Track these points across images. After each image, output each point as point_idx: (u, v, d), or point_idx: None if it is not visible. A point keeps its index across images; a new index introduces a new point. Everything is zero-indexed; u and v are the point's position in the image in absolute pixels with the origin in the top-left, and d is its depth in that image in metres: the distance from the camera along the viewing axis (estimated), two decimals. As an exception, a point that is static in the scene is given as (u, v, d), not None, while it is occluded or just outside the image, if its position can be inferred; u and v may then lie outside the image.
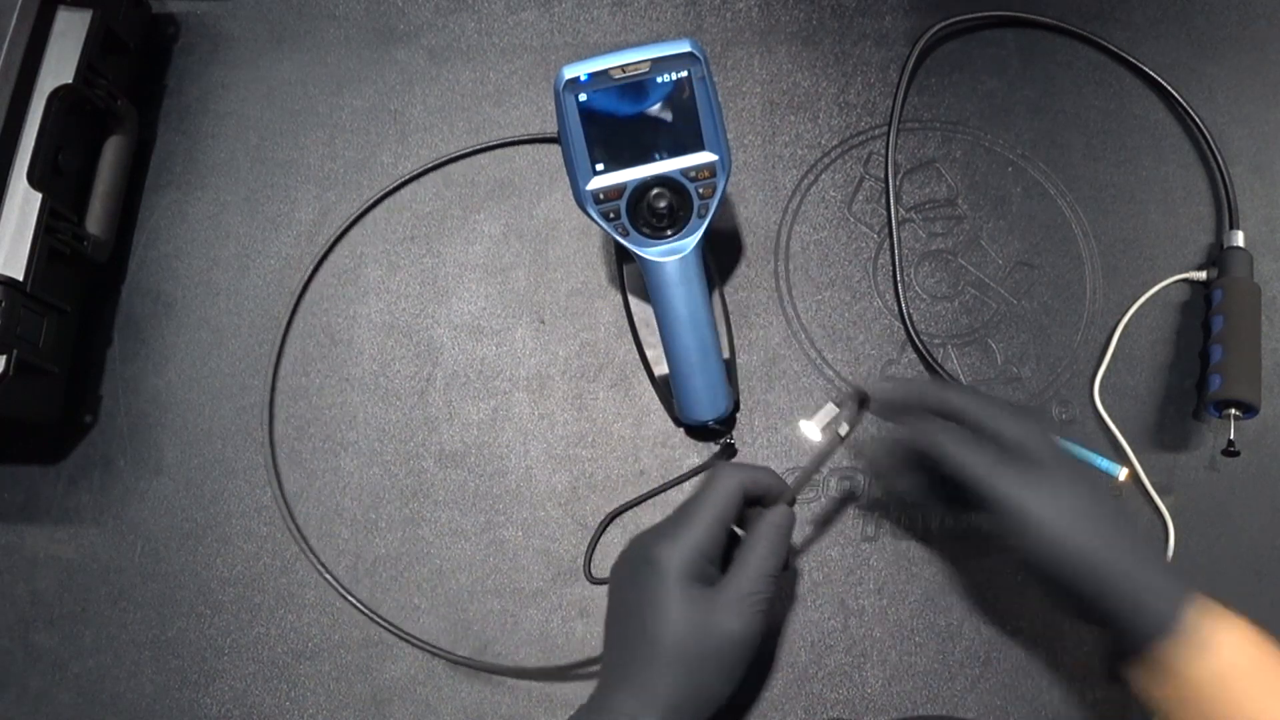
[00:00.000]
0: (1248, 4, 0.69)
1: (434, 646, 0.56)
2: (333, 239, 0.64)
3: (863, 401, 0.50)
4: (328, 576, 0.58)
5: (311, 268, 0.64)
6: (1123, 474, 0.54)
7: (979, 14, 0.67)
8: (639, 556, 0.46)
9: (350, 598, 0.57)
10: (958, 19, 0.67)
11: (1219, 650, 0.40)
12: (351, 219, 0.65)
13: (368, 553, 0.58)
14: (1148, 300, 0.61)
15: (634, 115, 0.51)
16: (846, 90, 0.67)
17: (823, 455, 0.50)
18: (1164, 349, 0.61)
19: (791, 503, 0.50)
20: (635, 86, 0.51)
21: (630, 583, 0.46)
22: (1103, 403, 0.59)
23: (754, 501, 0.49)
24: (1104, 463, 0.54)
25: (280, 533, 0.59)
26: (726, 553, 0.48)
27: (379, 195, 0.65)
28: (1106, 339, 0.61)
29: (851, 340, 0.62)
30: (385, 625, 0.57)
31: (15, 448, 0.61)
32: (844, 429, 0.51)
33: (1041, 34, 0.68)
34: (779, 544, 0.47)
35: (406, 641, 0.56)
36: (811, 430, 0.52)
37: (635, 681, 0.43)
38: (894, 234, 0.63)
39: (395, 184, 0.65)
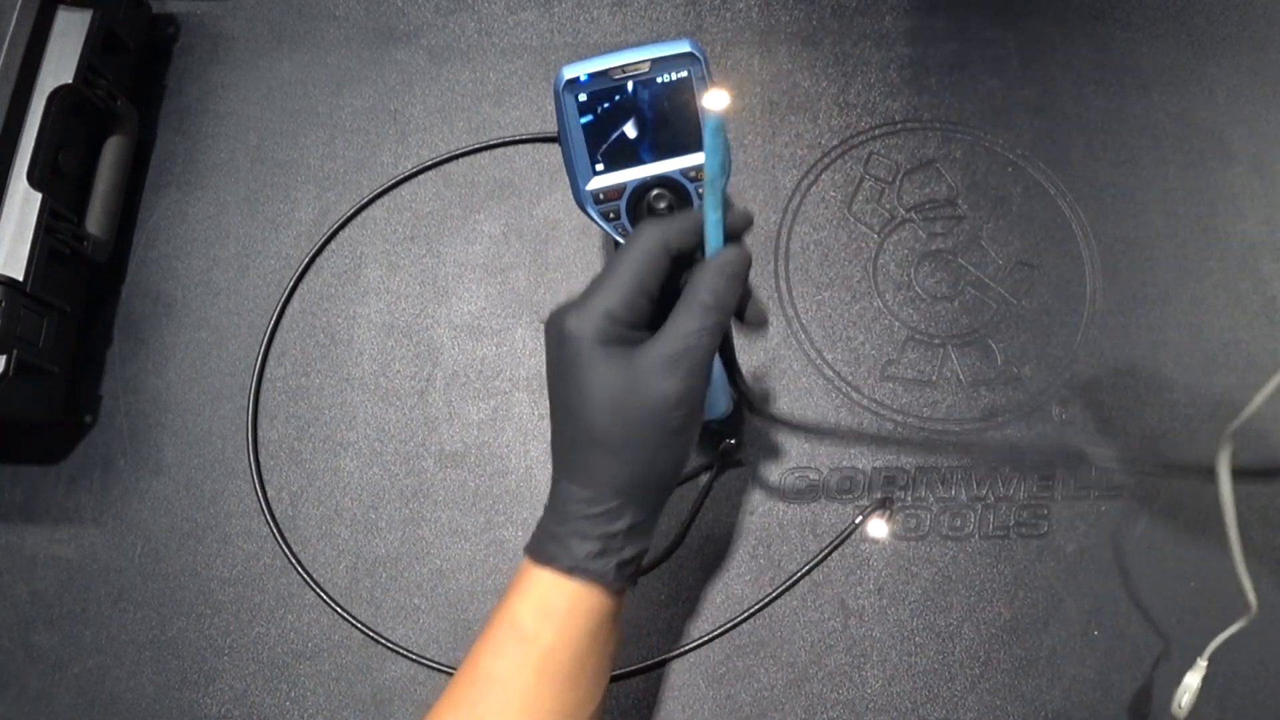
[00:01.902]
0: (1248, 4, 0.69)
1: (422, 656, 0.56)
2: (325, 236, 0.64)
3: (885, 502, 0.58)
4: (318, 590, 0.58)
5: (302, 267, 0.64)
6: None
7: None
8: (552, 333, 0.42)
9: (336, 607, 0.57)
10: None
11: None
12: (345, 218, 0.65)
13: (368, 553, 0.58)
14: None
15: (634, 115, 0.51)
16: (846, 90, 0.67)
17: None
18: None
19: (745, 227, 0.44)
20: (635, 86, 0.51)
21: (551, 365, 0.43)
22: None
23: (688, 260, 0.44)
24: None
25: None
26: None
27: (374, 194, 0.65)
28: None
29: (851, 340, 0.62)
30: (371, 634, 0.57)
31: (15, 448, 0.61)
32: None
33: (1041, 33, 0.68)
34: (718, 288, 0.41)
35: (395, 652, 0.56)
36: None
37: (575, 467, 0.41)
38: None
39: (391, 182, 0.65)
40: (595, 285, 0.42)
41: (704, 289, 0.41)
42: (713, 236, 0.42)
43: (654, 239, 0.42)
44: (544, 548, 0.42)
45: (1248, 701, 0.54)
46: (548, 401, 0.45)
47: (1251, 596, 0.49)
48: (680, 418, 0.40)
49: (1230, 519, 0.48)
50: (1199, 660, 0.50)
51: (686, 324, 0.40)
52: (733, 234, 0.43)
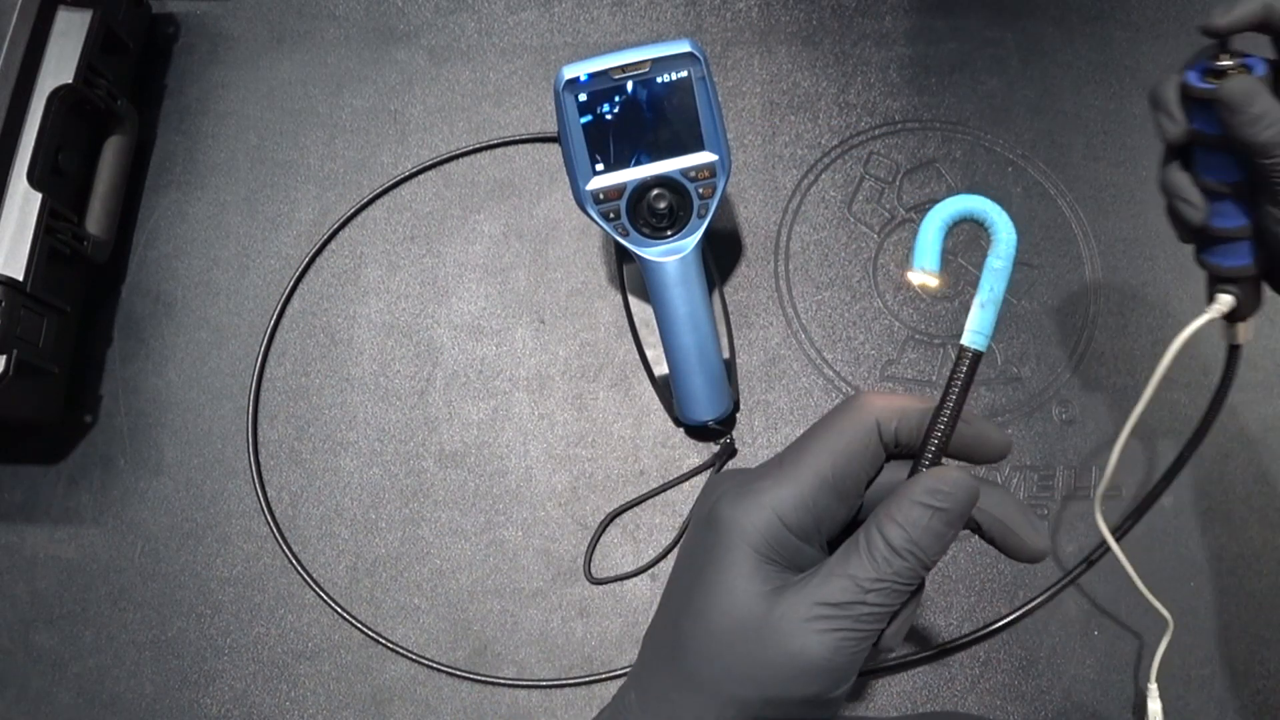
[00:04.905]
0: (1248, 4, 0.69)
1: (422, 656, 0.56)
2: (325, 236, 0.64)
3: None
4: (318, 590, 0.58)
5: (302, 267, 0.64)
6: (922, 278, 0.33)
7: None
8: (706, 506, 0.32)
9: (336, 607, 0.57)
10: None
11: None
12: (345, 218, 0.65)
13: (368, 553, 0.58)
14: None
15: (634, 115, 0.51)
16: (846, 90, 0.67)
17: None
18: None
19: (997, 456, 0.33)
20: (635, 86, 0.51)
21: (688, 537, 0.33)
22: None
23: (905, 454, 0.32)
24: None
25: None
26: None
27: (374, 194, 0.65)
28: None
29: (851, 340, 0.62)
30: (371, 634, 0.57)
31: (15, 448, 0.61)
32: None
33: (1041, 33, 0.68)
34: (916, 526, 0.29)
35: (394, 651, 0.56)
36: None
37: (650, 682, 0.32)
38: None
39: (391, 182, 0.65)
40: (775, 464, 0.31)
41: (894, 522, 0.29)
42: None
43: (862, 414, 0.31)
44: None
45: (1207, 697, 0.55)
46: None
47: (1164, 612, 0.51)
48: (803, 691, 0.29)
49: (1124, 561, 0.50)
50: (1149, 686, 0.53)
51: (856, 567, 0.29)
52: (959, 449, 0.32)
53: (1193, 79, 0.38)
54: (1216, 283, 0.42)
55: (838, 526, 0.32)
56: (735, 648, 0.30)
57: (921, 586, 0.32)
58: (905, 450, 0.32)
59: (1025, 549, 0.32)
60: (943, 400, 0.31)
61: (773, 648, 0.29)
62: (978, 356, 0.31)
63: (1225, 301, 0.42)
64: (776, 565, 0.30)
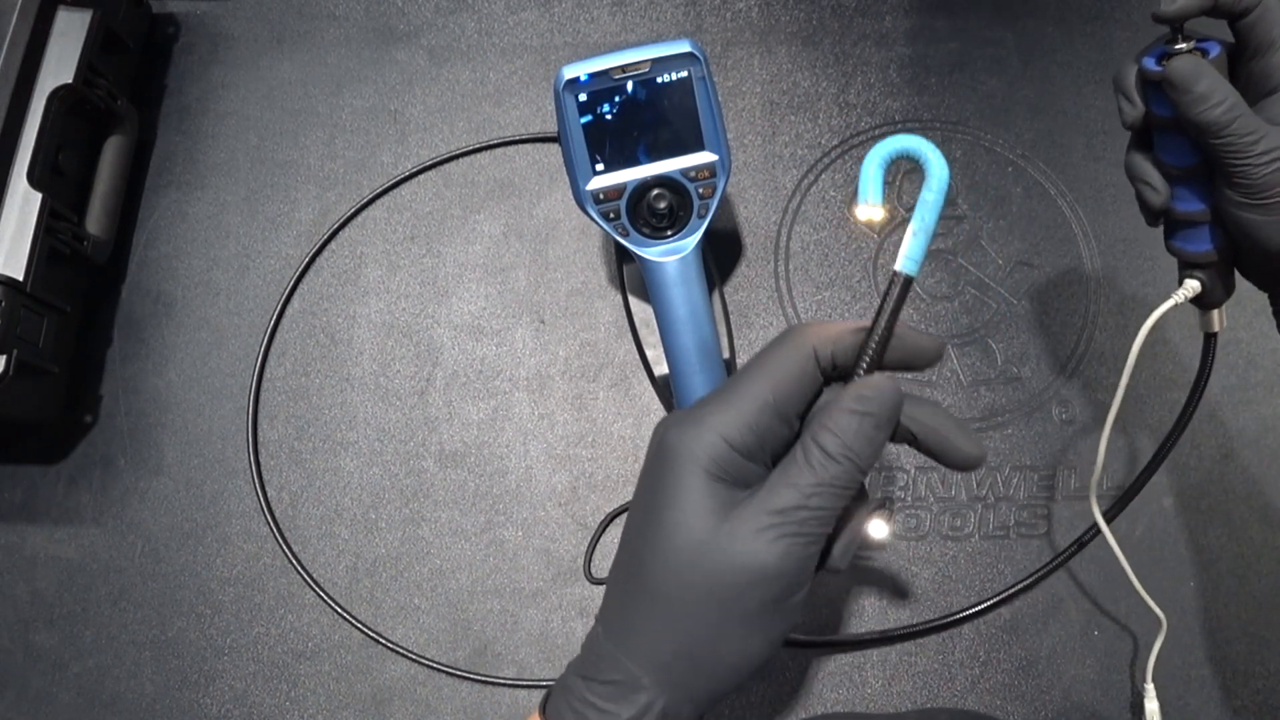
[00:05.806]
0: (1248, 4, 0.69)
1: (422, 656, 0.56)
2: (325, 236, 0.64)
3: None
4: (318, 590, 0.58)
5: (302, 267, 0.64)
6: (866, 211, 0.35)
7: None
8: (655, 437, 0.34)
9: (336, 607, 0.57)
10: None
11: None
12: (345, 218, 0.65)
13: (368, 553, 0.58)
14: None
15: (634, 115, 0.51)
16: (846, 90, 0.67)
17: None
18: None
19: (932, 360, 0.35)
20: (635, 86, 0.51)
21: (643, 474, 0.34)
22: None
23: (843, 376, 0.34)
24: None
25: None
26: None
27: (374, 194, 0.65)
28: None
29: (851, 340, 0.62)
30: (371, 634, 0.57)
31: (15, 448, 0.61)
32: None
33: (1041, 33, 0.68)
34: (846, 432, 0.31)
35: (395, 651, 0.56)
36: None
37: (614, 611, 0.34)
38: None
39: (391, 182, 0.65)
40: (717, 393, 0.33)
41: (827, 430, 0.31)
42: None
43: (798, 342, 0.33)
44: (551, 696, 0.34)
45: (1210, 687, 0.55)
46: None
47: (1158, 610, 0.52)
48: (760, 598, 0.31)
49: (1120, 555, 0.51)
50: (1145, 685, 0.53)
51: (796, 475, 0.31)
52: (896, 361, 0.35)
53: (1148, 63, 0.39)
54: (1184, 268, 0.43)
55: (781, 445, 0.34)
56: (691, 564, 0.31)
57: (864, 495, 0.35)
58: (843, 372, 0.34)
59: (960, 454, 0.34)
60: (875, 321, 0.34)
61: (726, 558, 0.31)
62: (909, 281, 0.34)
63: (1190, 287, 0.43)
64: (725, 484, 0.32)
